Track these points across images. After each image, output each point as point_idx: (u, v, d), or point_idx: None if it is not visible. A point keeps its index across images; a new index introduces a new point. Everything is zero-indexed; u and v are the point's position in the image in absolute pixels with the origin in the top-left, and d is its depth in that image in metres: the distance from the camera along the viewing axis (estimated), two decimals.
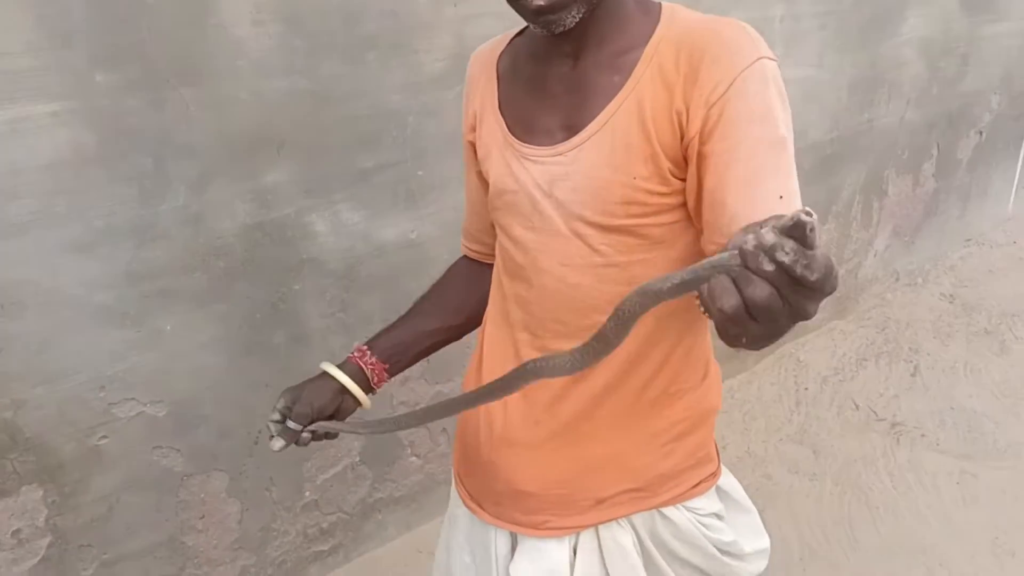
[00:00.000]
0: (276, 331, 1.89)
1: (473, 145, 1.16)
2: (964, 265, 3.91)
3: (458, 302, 1.29)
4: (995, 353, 3.26)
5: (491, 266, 1.24)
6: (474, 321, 1.27)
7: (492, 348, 1.19)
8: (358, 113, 1.84)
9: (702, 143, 0.90)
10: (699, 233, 0.98)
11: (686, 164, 0.94)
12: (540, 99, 1.03)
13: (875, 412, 2.92)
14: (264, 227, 1.78)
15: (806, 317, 0.58)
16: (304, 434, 1.15)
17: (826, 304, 2.94)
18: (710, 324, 1.14)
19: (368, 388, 1.20)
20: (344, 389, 1.18)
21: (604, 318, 0.92)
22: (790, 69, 2.71)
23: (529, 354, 1.10)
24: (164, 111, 1.59)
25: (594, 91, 0.98)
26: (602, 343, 0.75)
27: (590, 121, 0.97)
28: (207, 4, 1.58)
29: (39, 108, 1.47)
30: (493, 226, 1.21)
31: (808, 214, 0.53)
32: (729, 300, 0.57)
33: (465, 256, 1.34)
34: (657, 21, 0.97)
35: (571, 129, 0.99)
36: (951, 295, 3.68)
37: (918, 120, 3.38)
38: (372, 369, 1.20)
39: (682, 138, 0.91)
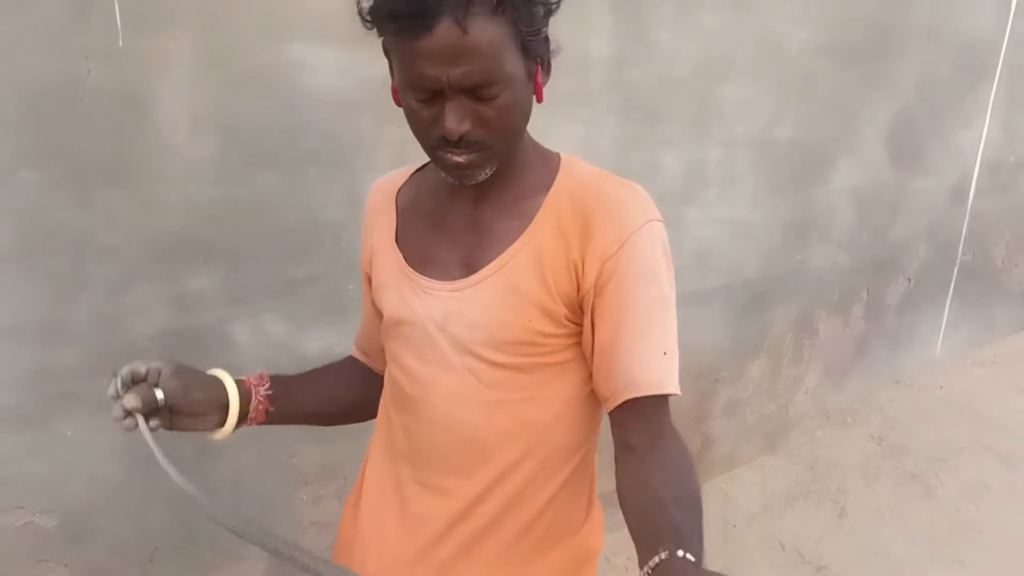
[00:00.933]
0: (184, 442, 1.81)
1: (368, 276, 1.17)
2: (892, 407, 3.98)
3: (347, 392, 1.28)
4: (920, 498, 3.28)
5: (377, 374, 1.27)
6: (353, 416, 1.28)
7: (373, 480, 1.18)
8: (292, 225, 1.83)
9: (596, 296, 0.97)
10: (588, 374, 1.03)
11: (582, 312, 0.99)
12: (439, 234, 1.06)
13: (801, 555, 2.89)
14: (181, 333, 1.73)
15: None
16: (152, 422, 1.01)
17: (756, 438, 2.95)
18: (594, 465, 1.16)
19: (242, 419, 1.13)
20: (221, 404, 1.10)
21: (491, 455, 0.96)
22: (725, 208, 2.80)
23: (411, 489, 1.10)
24: (89, 212, 1.56)
25: (493, 234, 1.01)
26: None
27: (488, 262, 1.00)
28: (145, 109, 1.58)
29: None
30: (369, 357, 1.28)
31: None
32: None
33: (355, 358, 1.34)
34: (556, 170, 1.03)
35: (468, 267, 1.02)
36: (879, 436, 3.72)
37: (848, 264, 3.50)
38: (259, 402, 1.13)
39: (578, 288, 0.97)
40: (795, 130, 2.96)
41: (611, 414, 1.00)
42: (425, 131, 0.93)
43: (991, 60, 3.87)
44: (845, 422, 3.80)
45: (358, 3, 0.91)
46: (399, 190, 1.14)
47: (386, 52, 0.95)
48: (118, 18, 1.52)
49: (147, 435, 0.98)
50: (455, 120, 0.88)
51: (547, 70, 0.99)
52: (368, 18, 0.90)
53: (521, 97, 0.93)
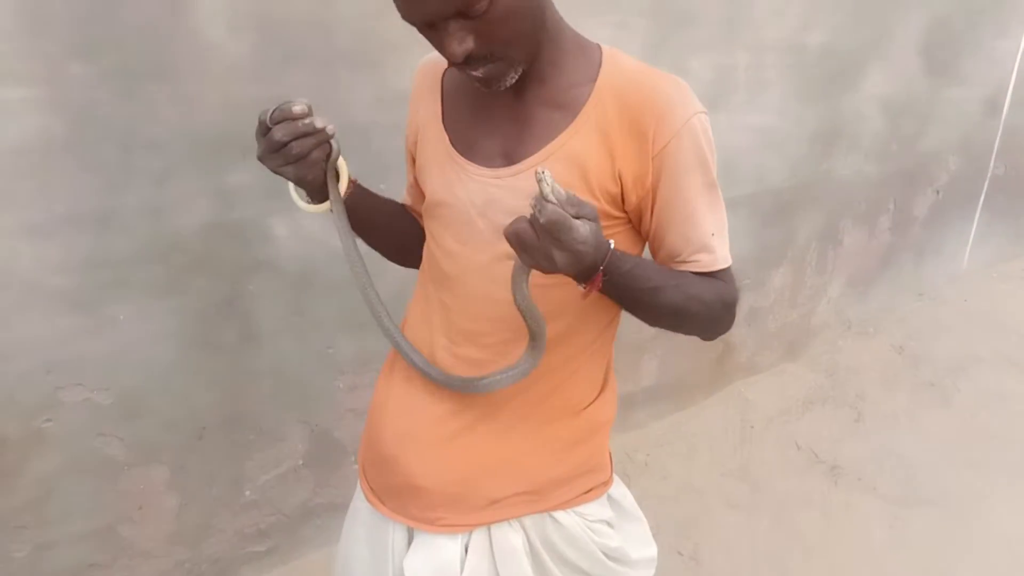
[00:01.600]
0: (228, 329, 1.93)
1: (411, 154, 1.22)
2: (915, 318, 4.02)
3: (407, 222, 1.34)
4: (937, 405, 3.35)
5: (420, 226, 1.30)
6: (404, 247, 1.33)
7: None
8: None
9: (645, 190, 1.02)
10: (632, 247, 1.11)
11: (623, 204, 1.05)
12: (482, 122, 1.10)
13: (816, 454, 2.99)
14: (224, 226, 1.82)
15: (551, 260, 0.87)
16: (326, 125, 1.04)
17: (777, 346, 3.01)
18: (612, 344, 1.23)
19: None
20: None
21: (523, 333, 1.04)
22: (752, 116, 2.81)
23: (445, 360, 1.16)
24: (134, 105, 1.64)
25: (535, 125, 1.05)
26: (536, 340, 0.98)
27: (530, 155, 1.05)
28: (185, 5, 1.63)
29: (10, 93, 1.52)
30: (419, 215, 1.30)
31: (541, 171, 0.85)
32: (507, 230, 0.89)
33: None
34: (598, 63, 1.05)
35: (509, 157, 1.06)
36: (900, 346, 3.78)
37: (876, 175, 3.50)
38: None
39: (622, 189, 1.03)
40: (826, 35, 2.93)
41: None
42: (438, 52, 0.97)
43: None
44: (867, 332, 3.85)
45: None
46: (445, 72, 1.18)
47: None
48: None
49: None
50: (454, 45, 0.92)
51: None
52: None
53: (518, 5, 0.94)
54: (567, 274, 0.91)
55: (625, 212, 1.07)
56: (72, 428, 1.77)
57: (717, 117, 2.68)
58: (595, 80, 1.04)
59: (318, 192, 1.13)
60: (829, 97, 3.09)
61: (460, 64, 0.96)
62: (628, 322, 1.17)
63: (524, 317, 0.98)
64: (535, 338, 1.00)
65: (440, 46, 0.95)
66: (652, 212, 1.05)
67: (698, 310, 1.05)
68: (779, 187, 3.07)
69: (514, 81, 1.01)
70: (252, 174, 1.82)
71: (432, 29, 0.93)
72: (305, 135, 1.01)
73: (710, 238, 1.08)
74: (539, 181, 0.85)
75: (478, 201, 1.07)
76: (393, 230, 1.30)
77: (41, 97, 1.55)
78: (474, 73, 0.97)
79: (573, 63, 1.06)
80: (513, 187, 1.05)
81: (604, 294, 0.99)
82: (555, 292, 1.08)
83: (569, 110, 1.04)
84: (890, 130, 3.45)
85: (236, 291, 1.90)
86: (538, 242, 0.86)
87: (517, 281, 0.96)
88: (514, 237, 0.87)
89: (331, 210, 1.12)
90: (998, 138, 4.10)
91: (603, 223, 1.03)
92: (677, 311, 1.04)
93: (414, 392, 1.21)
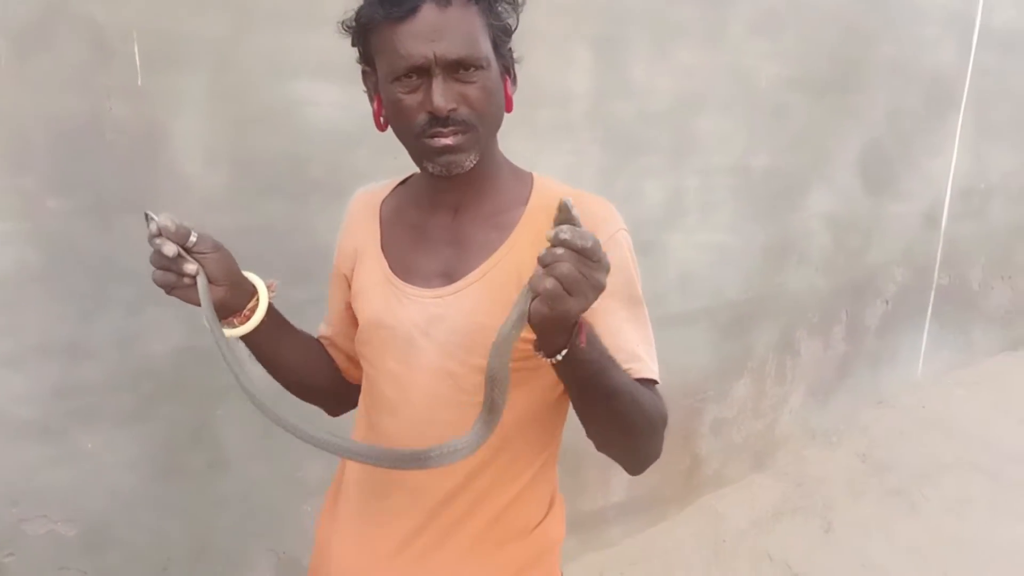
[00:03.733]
0: (196, 456, 1.92)
1: (347, 278, 1.25)
2: (876, 426, 4.09)
3: (317, 356, 1.32)
4: (905, 513, 3.38)
5: (331, 360, 1.32)
6: (312, 383, 1.32)
7: (352, 478, 1.25)
8: (297, 249, 1.95)
9: None
10: (556, 382, 1.11)
11: None
12: (421, 245, 1.16)
13: (789, 567, 2.98)
14: (194, 351, 1.84)
15: (601, 286, 0.83)
16: (189, 265, 1.02)
17: (745, 457, 3.05)
18: (556, 461, 1.24)
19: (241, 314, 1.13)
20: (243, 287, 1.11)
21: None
22: (705, 233, 2.95)
23: (387, 487, 1.18)
24: (109, 236, 1.69)
25: (473, 245, 1.12)
26: (495, 412, 0.92)
27: (469, 272, 1.11)
28: (162, 142, 1.72)
29: None
30: (341, 351, 1.32)
31: (568, 200, 0.82)
32: (545, 283, 0.80)
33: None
34: (530, 188, 1.15)
35: (449, 276, 1.12)
36: (864, 454, 3.83)
37: (827, 287, 3.64)
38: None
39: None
40: (770, 159, 3.12)
41: None
42: (410, 119, 1.03)
43: (956, 91, 4.06)
44: (830, 441, 3.91)
45: (344, 21, 1.07)
46: (383, 201, 1.24)
47: (367, 63, 1.08)
48: (137, 59, 1.67)
49: (202, 286, 1.03)
50: (441, 96, 1.00)
51: (514, 81, 1.13)
52: (357, 18, 1.04)
53: (496, 88, 1.06)
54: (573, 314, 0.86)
55: None
56: (34, 562, 1.73)
57: (672, 236, 2.82)
58: (527, 202, 1.13)
59: (224, 311, 1.10)
60: (777, 214, 3.25)
61: (434, 126, 1.02)
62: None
63: (492, 385, 0.92)
64: (492, 411, 0.94)
65: (421, 104, 1.01)
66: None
67: (641, 414, 1.03)
68: (735, 300, 3.18)
69: (470, 167, 1.06)
70: None
71: (418, 87, 1.01)
72: (164, 268, 1.02)
73: (638, 347, 1.09)
74: (569, 208, 0.82)
75: (420, 321, 1.11)
76: (302, 362, 1.27)
77: (18, 230, 1.60)
78: (443, 140, 1.02)
79: (508, 185, 1.15)
80: (455, 304, 1.10)
81: (576, 362, 0.93)
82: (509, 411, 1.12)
83: (504, 230, 1.11)
84: (836, 244, 3.61)
85: (204, 417, 1.91)
86: (582, 270, 0.81)
87: (505, 344, 0.90)
88: (560, 283, 0.81)
89: (206, 324, 1.07)
90: (940, 249, 4.31)
91: (530, 351, 1.08)
92: (627, 406, 1.00)
93: (360, 526, 1.20)
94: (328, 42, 1.85)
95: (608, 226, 1.09)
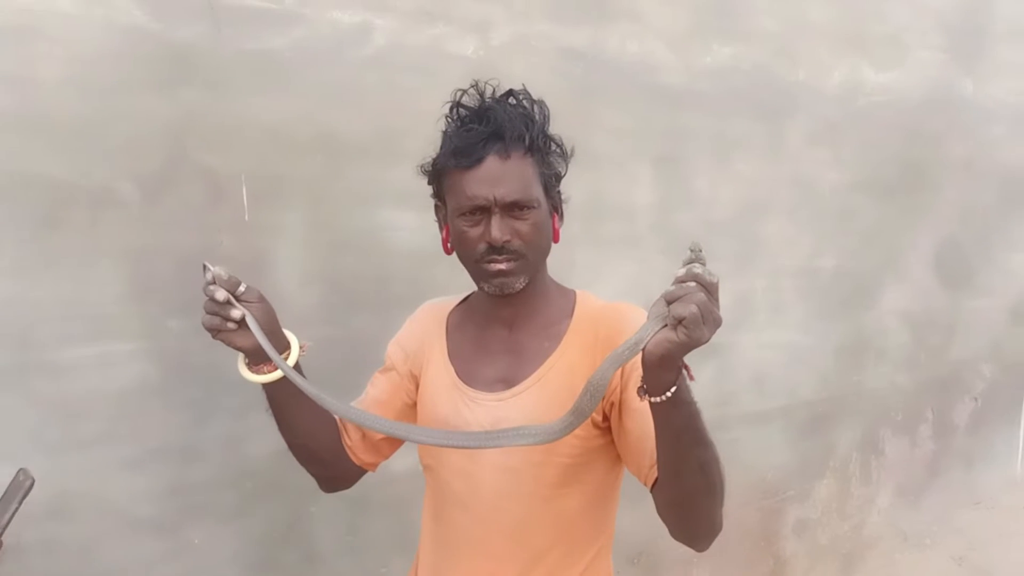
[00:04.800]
0: (289, 551, 2.09)
1: (414, 376, 1.40)
2: (973, 528, 3.94)
3: (330, 435, 1.42)
4: None
5: (342, 452, 1.42)
6: (320, 459, 1.43)
7: (425, 569, 1.40)
8: (382, 358, 2.15)
9: (622, 391, 1.19)
10: (610, 468, 1.27)
11: (607, 414, 1.23)
12: (482, 354, 1.33)
13: None
14: (290, 453, 2.03)
15: (720, 322, 0.93)
16: (235, 311, 1.15)
17: (831, 560, 3.02)
18: (610, 543, 1.35)
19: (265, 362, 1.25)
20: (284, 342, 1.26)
21: (527, 542, 1.19)
22: (776, 332, 3.02)
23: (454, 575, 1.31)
24: (219, 352, 1.91)
25: (528, 353, 1.29)
26: (578, 417, 1.04)
27: (527, 376, 1.27)
28: (265, 267, 1.96)
29: (118, 347, 1.82)
30: (363, 432, 1.41)
31: (698, 243, 0.97)
32: (690, 308, 0.90)
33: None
34: (574, 303, 1.33)
35: (508, 382, 1.28)
36: (961, 557, 3.70)
37: (909, 384, 3.62)
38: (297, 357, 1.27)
39: (605, 395, 1.19)
40: (838, 260, 3.20)
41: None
42: (472, 247, 1.22)
43: None
44: (924, 544, 3.79)
45: (422, 165, 1.29)
46: (450, 313, 1.43)
47: (439, 199, 1.29)
48: (245, 199, 1.93)
49: (252, 322, 1.17)
50: (498, 230, 1.19)
51: (561, 217, 1.33)
52: (433, 164, 1.26)
53: (545, 224, 1.25)
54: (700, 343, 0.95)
55: (602, 426, 1.24)
56: None
57: (741, 337, 2.91)
58: (572, 315, 1.30)
59: (257, 357, 1.23)
60: (849, 313, 3.30)
61: (491, 253, 1.20)
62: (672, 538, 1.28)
63: (586, 392, 1.00)
64: (576, 414, 1.02)
65: (481, 236, 1.21)
66: (626, 416, 1.19)
67: (720, 469, 1.10)
68: (811, 399, 3.21)
69: (520, 288, 1.23)
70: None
71: (479, 222, 1.20)
72: (213, 312, 1.16)
73: None
74: (700, 248, 0.95)
75: (486, 422, 1.26)
76: (312, 428, 1.38)
77: (142, 349, 1.84)
78: (498, 265, 1.20)
79: (555, 301, 1.33)
80: (516, 406, 1.25)
81: (680, 402, 1.01)
82: (555, 499, 1.25)
83: (555, 339, 1.28)
84: (916, 341, 3.61)
85: (298, 514, 2.09)
86: (713, 304, 0.91)
87: (613, 363, 0.98)
88: (699, 310, 0.90)
89: (254, 375, 1.23)
90: None
91: (593, 432, 1.23)
92: (712, 459, 1.07)
93: None
94: (406, 175, 2.08)
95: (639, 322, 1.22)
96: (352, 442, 1.42)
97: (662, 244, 2.68)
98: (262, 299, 1.23)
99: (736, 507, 2.98)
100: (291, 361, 1.24)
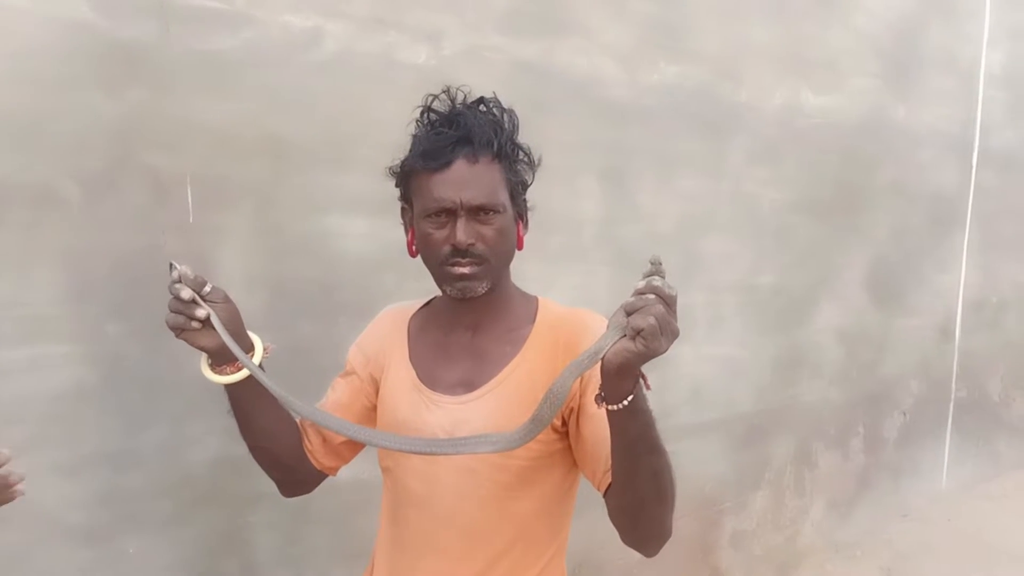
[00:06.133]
0: (228, 561, 2.05)
1: (374, 380, 1.40)
2: (901, 540, 4.06)
3: (291, 454, 1.39)
4: None
5: (303, 454, 1.40)
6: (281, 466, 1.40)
7: (381, 570, 1.39)
8: (327, 366, 2.12)
9: (580, 396, 1.22)
10: (566, 473, 1.29)
11: (566, 420, 1.25)
12: (444, 358, 1.34)
13: None
14: (231, 460, 2.00)
15: (677, 334, 0.97)
16: (200, 310, 1.15)
17: (766, 571, 3.08)
18: (564, 547, 1.36)
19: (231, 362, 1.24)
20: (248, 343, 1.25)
21: (484, 543, 1.21)
22: (713, 347, 3.08)
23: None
24: (159, 357, 1.88)
25: (491, 357, 1.30)
26: (537, 424, 1.07)
27: (487, 380, 1.28)
28: (208, 271, 1.91)
29: (54, 349, 1.77)
30: (322, 435, 1.40)
31: (657, 257, 0.99)
32: (648, 319, 0.94)
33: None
34: (536, 309, 1.34)
35: (470, 385, 1.29)
36: (889, 569, 3.80)
37: (841, 399, 3.73)
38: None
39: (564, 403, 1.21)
40: (776, 276, 3.28)
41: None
42: (436, 250, 1.23)
43: (960, 209, 4.23)
44: (854, 555, 3.89)
45: (390, 167, 1.29)
46: (411, 317, 1.43)
47: (406, 201, 1.29)
48: (189, 200, 1.90)
49: (216, 321, 1.16)
50: (464, 233, 1.20)
51: (526, 224, 1.34)
52: (402, 166, 1.27)
53: (510, 229, 1.27)
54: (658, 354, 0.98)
55: (559, 430, 1.26)
56: None
57: (682, 349, 2.96)
58: (534, 320, 1.32)
59: (220, 357, 1.22)
60: (786, 329, 3.38)
61: (455, 256, 1.21)
62: (614, 548, 1.31)
63: (546, 400, 1.04)
64: (535, 422, 1.05)
65: (446, 238, 1.22)
66: (584, 421, 1.22)
67: (672, 477, 1.14)
68: (749, 412, 3.28)
69: (482, 292, 1.24)
70: None
71: (445, 224, 1.22)
72: (178, 311, 1.16)
73: None
74: (660, 262, 0.98)
75: (446, 424, 1.27)
76: (273, 431, 1.35)
77: (78, 352, 1.79)
78: (461, 269, 1.22)
79: (518, 307, 1.34)
80: (477, 409, 1.26)
81: (636, 410, 1.05)
82: (512, 500, 1.26)
83: (516, 344, 1.30)
84: (849, 357, 3.72)
85: (237, 523, 2.05)
86: (671, 316, 0.95)
87: (573, 372, 1.03)
88: (657, 321, 0.94)
89: (216, 378, 1.23)
90: (955, 362, 4.38)
91: (552, 437, 1.24)
92: (665, 467, 1.12)
93: None
94: (356, 181, 2.10)
95: (599, 329, 1.23)
96: (313, 446, 1.41)
97: (607, 256, 2.72)
98: (227, 300, 1.22)
99: (675, 518, 3.01)
100: (255, 363, 1.24)
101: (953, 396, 4.43)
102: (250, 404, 1.30)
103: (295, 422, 1.41)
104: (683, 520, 3.12)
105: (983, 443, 4.70)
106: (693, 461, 3.09)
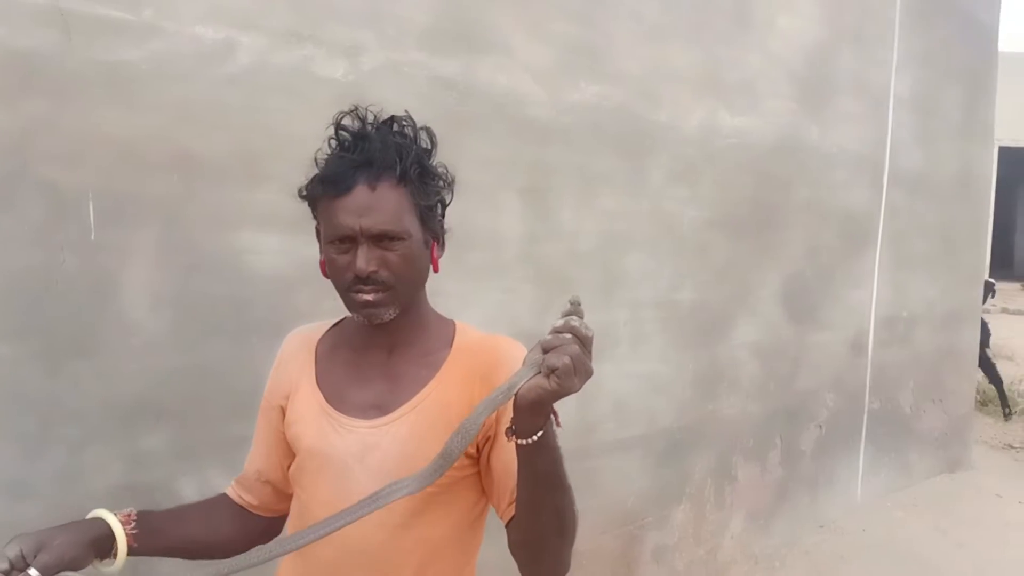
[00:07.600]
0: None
1: (282, 409, 1.36)
2: (818, 551, 4.16)
3: (214, 532, 1.36)
4: None
5: (250, 513, 1.39)
6: (218, 553, 1.33)
7: None
8: (238, 387, 2.06)
9: (496, 424, 1.21)
10: (477, 498, 1.27)
11: (480, 447, 1.24)
12: (355, 380, 1.30)
13: None
14: (134, 488, 1.92)
15: (591, 373, 0.99)
16: None
17: None
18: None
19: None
20: (100, 541, 1.18)
21: (393, 571, 1.17)
22: (636, 364, 3.11)
23: None
24: (58, 380, 1.80)
25: (405, 379, 1.27)
26: (446, 460, 1.07)
27: (402, 404, 1.25)
28: (111, 291, 1.85)
29: None
30: (270, 482, 1.38)
31: (577, 296, 1.00)
32: (564, 359, 0.95)
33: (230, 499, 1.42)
34: (453, 333, 1.32)
35: (383, 408, 1.26)
36: None
37: (759, 413, 3.80)
38: (126, 537, 1.21)
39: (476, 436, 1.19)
40: (694, 293, 3.34)
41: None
42: (341, 275, 1.20)
43: (872, 228, 4.38)
44: (773, 566, 3.97)
45: (301, 189, 1.25)
46: (319, 340, 1.38)
47: (317, 223, 1.25)
48: (91, 216, 1.82)
49: None
50: (364, 261, 1.17)
51: (442, 246, 1.31)
52: (306, 190, 1.23)
53: (418, 255, 1.23)
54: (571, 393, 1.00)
55: (472, 456, 1.24)
56: None
57: (604, 366, 2.97)
58: (451, 345, 1.29)
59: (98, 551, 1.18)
60: (705, 344, 3.44)
61: (357, 283, 1.18)
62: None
63: (456, 435, 1.06)
64: (444, 457, 1.06)
65: (349, 264, 1.18)
66: (500, 450, 1.22)
67: (574, 515, 1.16)
68: (670, 427, 3.32)
69: (389, 319, 1.21)
70: (164, 437, 1.95)
71: (348, 250, 1.18)
72: None
73: None
74: (579, 303, 1.00)
75: (355, 449, 1.24)
76: (203, 532, 1.34)
77: None
78: (365, 296, 1.18)
79: (434, 331, 1.31)
80: (390, 433, 1.23)
81: (545, 447, 1.06)
82: (422, 528, 1.23)
83: (432, 368, 1.27)
84: (766, 372, 3.80)
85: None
86: (586, 357, 0.97)
87: (488, 407, 1.04)
88: (572, 361, 0.95)
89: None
90: (868, 375, 4.52)
91: (464, 463, 1.22)
92: (568, 504, 1.14)
93: None
94: (269, 197, 2.05)
95: (516, 357, 1.20)
96: (259, 502, 1.39)
97: (528, 274, 2.72)
98: (56, 548, 1.11)
99: (597, 534, 3.03)
100: (121, 550, 1.19)
101: (867, 408, 4.56)
102: (163, 543, 1.27)
103: (209, 522, 1.37)
104: (606, 536, 3.13)
105: (895, 454, 4.86)
106: (615, 476, 3.11)
